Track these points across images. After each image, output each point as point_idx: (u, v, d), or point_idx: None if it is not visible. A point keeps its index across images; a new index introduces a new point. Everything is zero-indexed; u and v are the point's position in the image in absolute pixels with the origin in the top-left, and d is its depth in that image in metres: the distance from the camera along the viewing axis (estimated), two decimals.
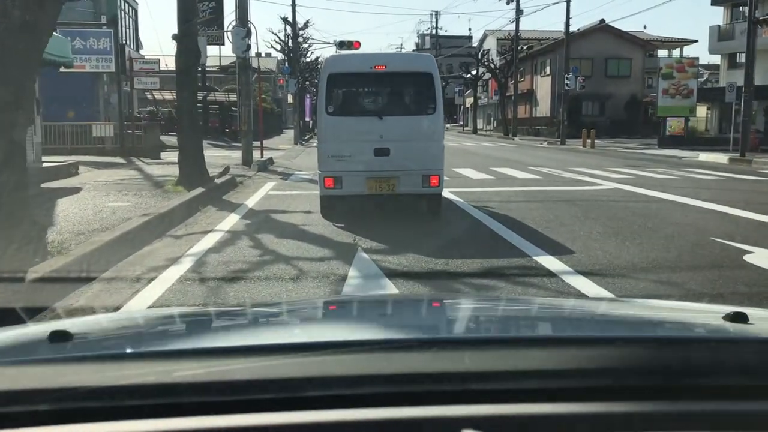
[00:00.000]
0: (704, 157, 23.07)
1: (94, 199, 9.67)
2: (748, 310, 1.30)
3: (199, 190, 10.56)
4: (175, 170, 12.27)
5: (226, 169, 13.95)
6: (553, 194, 11.31)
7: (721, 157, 21.77)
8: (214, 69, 37.02)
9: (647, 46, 48.76)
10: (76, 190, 10.97)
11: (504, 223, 8.08)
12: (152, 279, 5.38)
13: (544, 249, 6.43)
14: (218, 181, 12.33)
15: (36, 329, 1.50)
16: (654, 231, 7.53)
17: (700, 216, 8.71)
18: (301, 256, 6.26)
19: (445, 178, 9.18)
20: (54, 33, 14.61)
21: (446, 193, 9.22)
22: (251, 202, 10.53)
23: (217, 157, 20.28)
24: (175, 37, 12.37)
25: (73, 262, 5.09)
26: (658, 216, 8.69)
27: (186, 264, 5.91)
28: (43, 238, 5.49)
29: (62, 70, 16.16)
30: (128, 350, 1.19)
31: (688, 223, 8.06)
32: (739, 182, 14.05)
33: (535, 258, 6.04)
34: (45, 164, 13.93)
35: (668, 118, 32.27)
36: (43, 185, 11.96)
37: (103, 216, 7.99)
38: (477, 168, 17.30)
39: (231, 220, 8.52)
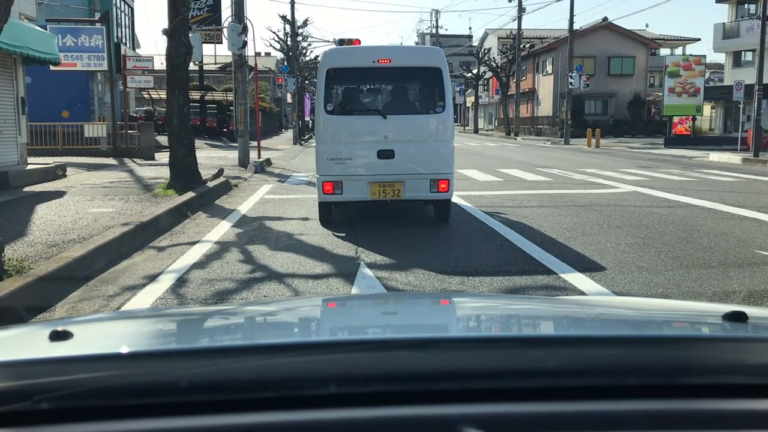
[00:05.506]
0: (715, 157, 22.43)
1: (77, 205, 8.99)
2: (748, 309, 1.26)
3: (190, 194, 9.86)
4: (168, 172, 11.60)
5: (220, 171, 13.26)
6: (568, 198, 10.59)
7: (734, 157, 21.10)
8: (212, 68, 36.37)
9: (650, 44, 48.16)
10: (59, 194, 10.30)
11: (521, 232, 7.36)
12: (125, 302, 4.69)
13: (570, 264, 5.72)
14: (211, 184, 11.64)
15: (36, 329, 1.50)
16: (689, 242, 6.80)
17: (735, 224, 7.97)
18: (296, 273, 5.55)
19: None
20: (40, 29, 14.06)
21: (454, 197, 8.51)
22: (245, 207, 9.82)
23: (213, 157, 19.64)
24: (165, 31, 11.70)
25: (28, 285, 4.38)
26: (688, 224, 7.96)
27: (165, 282, 5.21)
28: None
29: (52, 68, 15.56)
30: (128, 350, 1.14)
31: (724, 233, 7.33)
32: (763, 184, 13.30)
33: (562, 276, 5.32)
34: (31, 166, 13.31)
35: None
36: (26, 189, 11.36)
37: (82, 224, 7.30)
38: (483, 169, 16.61)
39: (221, 229, 7.80)
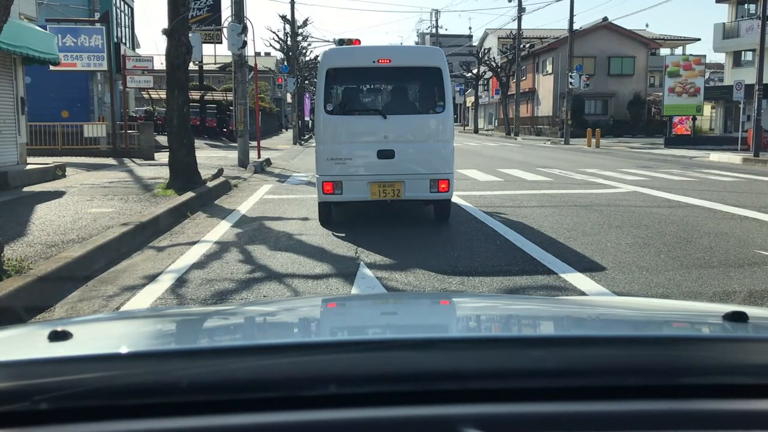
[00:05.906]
0: (715, 157, 22.43)
1: (77, 205, 8.98)
2: (748, 309, 1.25)
3: (189, 194, 9.86)
4: (167, 172, 11.60)
5: (220, 171, 13.25)
6: (568, 198, 10.59)
7: (734, 157, 21.10)
8: (212, 68, 36.37)
9: (650, 44, 48.15)
10: (59, 195, 10.29)
11: (521, 232, 7.36)
12: (125, 302, 4.68)
13: (570, 264, 5.71)
14: (211, 184, 11.63)
15: (36, 329, 1.50)
16: (689, 242, 6.80)
17: (735, 224, 7.97)
18: (296, 273, 5.54)
19: None
20: (40, 29, 14.05)
21: (454, 197, 8.50)
22: (244, 207, 9.81)
23: (212, 157, 19.63)
24: (165, 31, 11.69)
25: (28, 285, 4.37)
26: (688, 224, 7.96)
27: (165, 283, 5.20)
28: None
29: (51, 68, 15.55)
30: (128, 350, 1.14)
31: (724, 233, 7.33)
32: (763, 184, 13.29)
33: (562, 276, 5.32)
34: (30, 166, 13.30)
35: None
36: (26, 189, 11.35)
37: (82, 224, 7.29)
38: (483, 169, 16.61)
39: (221, 229, 7.80)
